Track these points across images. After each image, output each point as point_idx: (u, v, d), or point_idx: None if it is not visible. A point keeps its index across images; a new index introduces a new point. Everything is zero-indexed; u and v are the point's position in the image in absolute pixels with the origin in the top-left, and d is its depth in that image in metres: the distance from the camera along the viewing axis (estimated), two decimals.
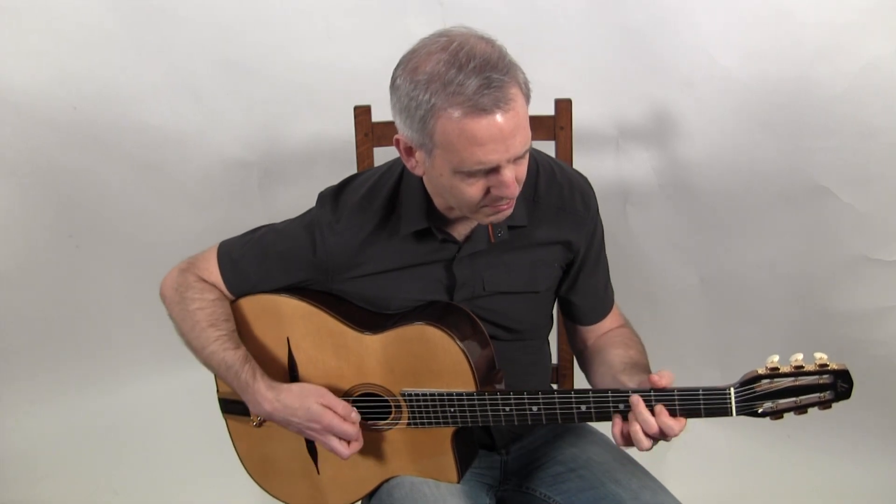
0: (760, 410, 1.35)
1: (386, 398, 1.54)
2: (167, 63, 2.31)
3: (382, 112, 1.63)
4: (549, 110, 1.85)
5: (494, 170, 1.33)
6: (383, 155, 1.75)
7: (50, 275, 2.51)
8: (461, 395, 1.47)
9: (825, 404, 1.34)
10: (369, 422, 1.56)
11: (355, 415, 1.51)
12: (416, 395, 1.50)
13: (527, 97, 1.33)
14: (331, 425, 1.50)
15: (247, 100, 2.35)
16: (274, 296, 1.58)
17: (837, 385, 1.32)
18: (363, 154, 1.90)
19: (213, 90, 2.33)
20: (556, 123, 1.86)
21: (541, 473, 1.64)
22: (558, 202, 1.54)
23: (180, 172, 2.42)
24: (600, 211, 1.62)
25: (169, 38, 2.28)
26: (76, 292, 2.53)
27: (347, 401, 1.54)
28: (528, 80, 1.34)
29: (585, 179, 1.60)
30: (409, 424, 1.53)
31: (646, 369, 1.53)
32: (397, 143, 1.41)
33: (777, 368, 1.33)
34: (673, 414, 1.37)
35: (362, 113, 1.87)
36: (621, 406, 1.39)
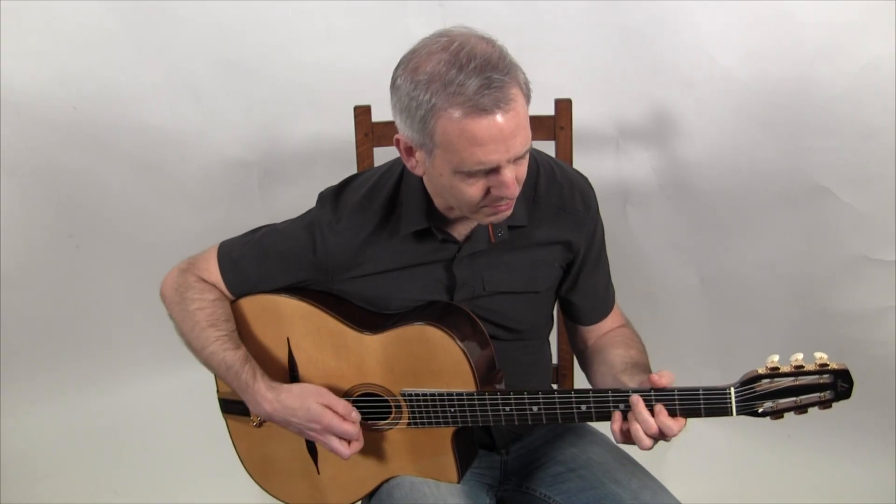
0: (761, 410, 1.35)
1: (386, 398, 1.54)
2: (167, 63, 2.31)
3: (382, 112, 1.63)
4: (549, 110, 1.85)
5: (494, 170, 1.33)
6: (383, 155, 1.75)
7: (50, 275, 2.51)
8: (461, 395, 1.47)
9: (825, 404, 1.34)
10: (369, 422, 1.56)
11: (355, 414, 1.51)
12: (417, 395, 1.50)
13: (527, 97, 1.33)
14: (331, 425, 1.50)
15: (247, 100, 2.35)
16: (274, 296, 1.58)
17: (837, 385, 1.32)
18: (363, 154, 1.90)
19: (213, 90, 2.33)
20: (556, 123, 1.86)
21: (541, 473, 1.64)
22: (558, 202, 1.54)
23: (180, 172, 2.42)
24: (600, 211, 1.62)
25: (169, 38, 2.28)
26: (76, 292, 2.53)
27: (347, 401, 1.55)
28: (529, 80, 1.34)
29: (586, 179, 1.60)
30: (409, 424, 1.53)
31: (646, 369, 1.53)
32: (397, 143, 1.41)
33: (777, 368, 1.33)
34: (673, 414, 1.37)
35: (362, 113, 1.87)
36: (622, 406, 1.39)
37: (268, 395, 1.52)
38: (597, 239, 1.61)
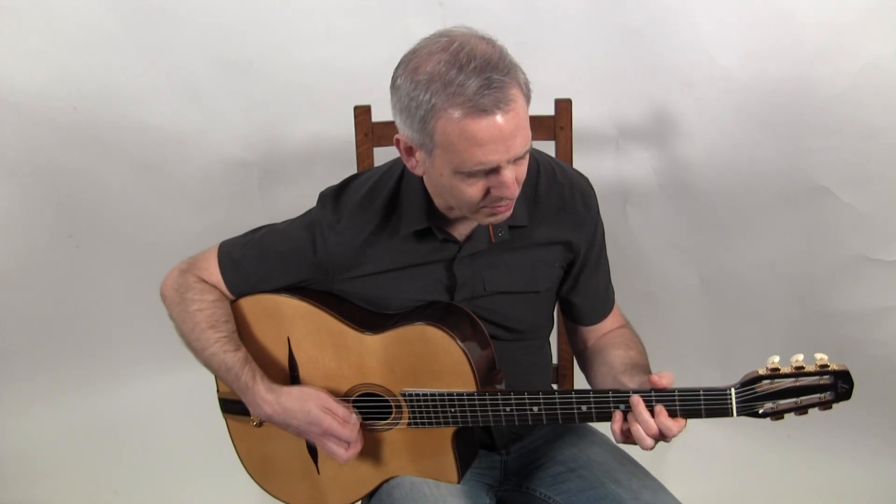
0: (761, 411, 1.35)
1: (386, 398, 1.54)
2: (167, 63, 2.31)
3: (382, 112, 1.63)
4: (549, 110, 1.85)
5: (494, 170, 1.33)
6: (383, 155, 1.75)
7: (50, 275, 2.51)
8: (462, 395, 1.47)
9: (826, 405, 1.34)
10: (369, 422, 1.56)
11: (355, 418, 1.51)
12: (417, 395, 1.50)
13: (527, 98, 1.33)
14: (330, 429, 1.50)
15: (247, 100, 2.35)
16: (274, 296, 1.58)
17: (838, 386, 1.32)
18: (363, 154, 1.90)
19: (213, 90, 2.33)
20: (556, 123, 1.86)
21: (541, 473, 1.64)
22: (559, 202, 1.54)
23: (180, 172, 2.42)
24: (600, 211, 1.62)
25: (169, 38, 2.28)
26: (76, 292, 2.53)
27: (347, 401, 1.55)
28: (529, 80, 1.34)
29: (586, 179, 1.60)
30: (409, 424, 1.53)
31: (646, 370, 1.53)
32: (398, 143, 1.41)
33: (778, 369, 1.33)
34: (673, 414, 1.37)
35: (362, 113, 1.87)
36: (622, 407, 1.39)
37: (268, 397, 1.52)
38: (597, 239, 1.61)
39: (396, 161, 1.53)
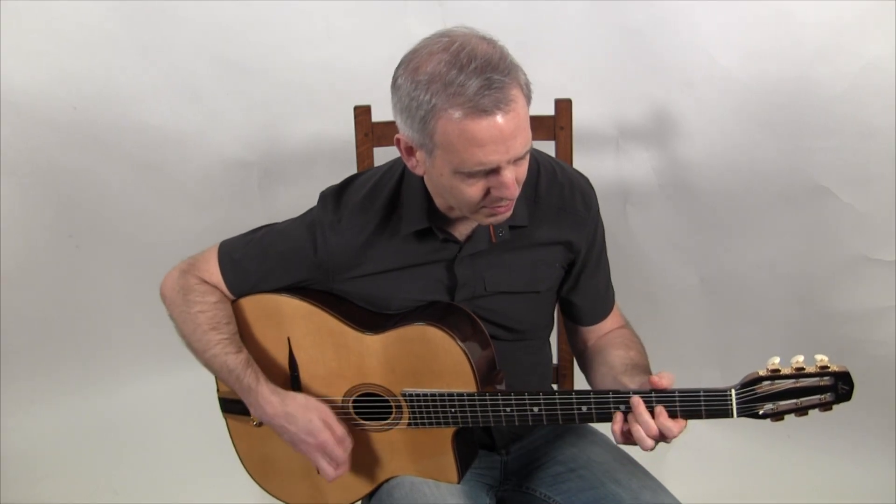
0: (761, 412, 1.35)
1: (386, 398, 1.54)
2: (167, 63, 2.31)
3: (382, 112, 1.63)
4: (549, 110, 1.85)
5: (494, 171, 1.33)
6: (383, 155, 1.75)
7: (50, 275, 2.51)
8: (462, 395, 1.47)
9: (826, 406, 1.34)
10: (370, 422, 1.56)
11: (349, 442, 1.53)
12: (417, 395, 1.50)
13: (528, 98, 1.33)
14: (325, 443, 1.51)
15: (247, 100, 2.35)
16: (275, 295, 1.58)
17: (838, 387, 1.32)
18: (363, 154, 1.89)
19: (213, 90, 2.33)
20: (556, 123, 1.86)
21: (541, 473, 1.64)
22: (559, 202, 1.54)
23: (180, 172, 2.42)
24: (600, 211, 1.62)
25: (169, 38, 2.28)
26: (76, 292, 2.53)
27: (347, 401, 1.55)
28: (529, 80, 1.34)
29: (586, 180, 1.60)
30: (409, 424, 1.53)
31: (646, 370, 1.53)
32: (398, 143, 1.41)
33: (778, 370, 1.33)
34: (673, 415, 1.37)
35: (362, 113, 1.87)
36: (622, 407, 1.39)
37: (272, 399, 1.52)
38: (597, 239, 1.61)
39: (397, 161, 1.53)
